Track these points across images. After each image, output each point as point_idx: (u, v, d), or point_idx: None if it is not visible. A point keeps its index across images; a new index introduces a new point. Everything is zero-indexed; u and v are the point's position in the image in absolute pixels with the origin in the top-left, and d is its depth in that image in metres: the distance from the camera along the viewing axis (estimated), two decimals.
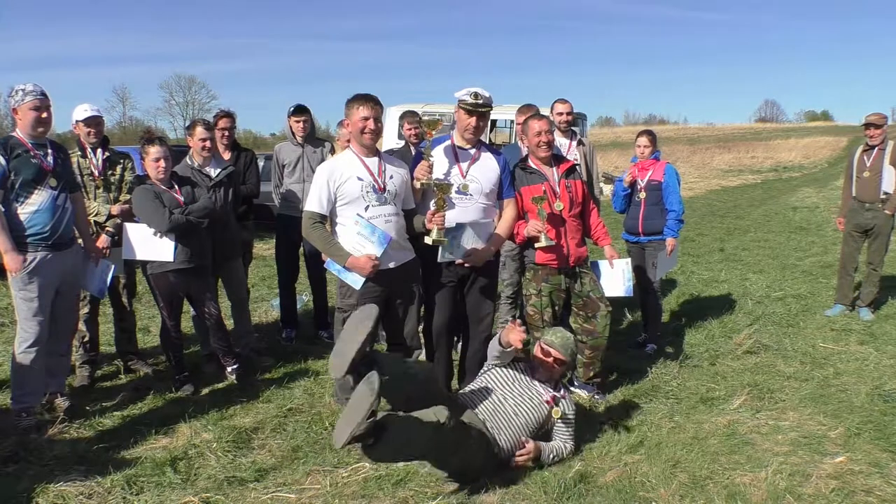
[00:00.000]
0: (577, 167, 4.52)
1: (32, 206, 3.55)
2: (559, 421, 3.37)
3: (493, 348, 3.45)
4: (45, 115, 3.57)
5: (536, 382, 3.40)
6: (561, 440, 3.37)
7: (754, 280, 7.61)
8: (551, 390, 3.40)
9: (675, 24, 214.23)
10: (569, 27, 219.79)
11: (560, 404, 3.37)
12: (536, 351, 3.53)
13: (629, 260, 4.37)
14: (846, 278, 6.18)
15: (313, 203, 3.44)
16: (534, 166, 4.07)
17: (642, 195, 5.05)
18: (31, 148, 3.57)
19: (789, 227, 12.11)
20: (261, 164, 6.78)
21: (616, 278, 4.23)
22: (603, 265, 4.27)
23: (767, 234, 11.32)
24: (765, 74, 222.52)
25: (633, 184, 5.14)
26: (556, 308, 4.09)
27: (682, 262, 8.16)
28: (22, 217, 3.53)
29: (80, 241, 3.95)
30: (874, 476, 3.20)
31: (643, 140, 5.11)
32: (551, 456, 3.29)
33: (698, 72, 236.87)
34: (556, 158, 4.18)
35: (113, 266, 4.14)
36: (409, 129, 5.22)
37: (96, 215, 4.27)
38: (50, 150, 3.66)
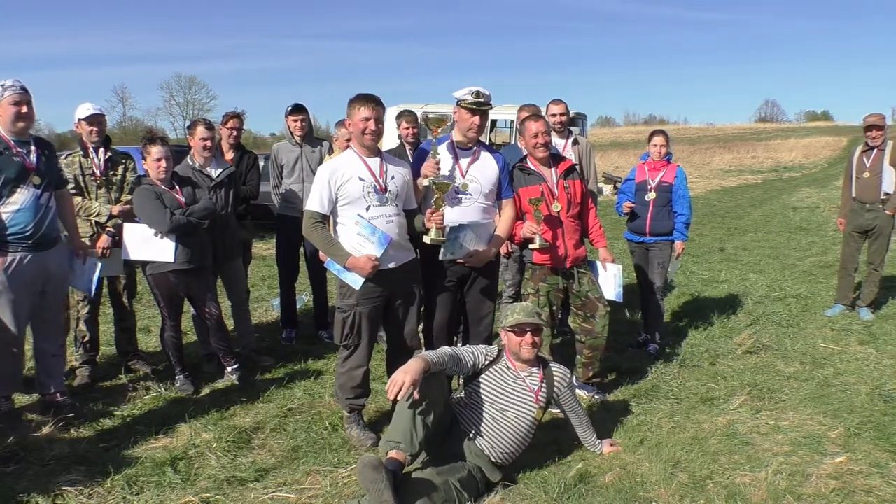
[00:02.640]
0: (576, 167, 4.52)
1: (14, 205, 3.47)
2: (563, 396, 3.34)
3: None
4: (25, 109, 3.50)
5: (523, 375, 3.25)
6: (578, 415, 3.43)
7: (754, 280, 7.62)
8: (536, 379, 3.25)
9: (675, 24, 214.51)
10: (569, 27, 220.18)
11: (542, 398, 3.23)
12: (509, 341, 3.27)
13: (621, 266, 4.34)
14: (847, 279, 6.18)
15: (314, 203, 3.44)
16: (532, 167, 4.06)
17: (652, 195, 5.02)
18: (13, 146, 3.50)
19: (789, 227, 12.12)
20: (261, 164, 6.79)
21: (607, 282, 4.21)
22: (598, 267, 4.26)
23: (767, 234, 11.32)
24: (765, 74, 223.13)
25: (641, 184, 5.12)
26: (554, 308, 4.09)
27: (683, 262, 8.15)
28: (3, 216, 3.45)
29: (65, 235, 3.87)
30: (874, 476, 3.20)
31: (659, 140, 5.07)
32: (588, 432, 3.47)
33: (698, 72, 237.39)
34: (555, 158, 4.18)
35: (100, 264, 4.07)
36: (407, 129, 5.18)
37: (97, 215, 4.27)
38: (34, 148, 3.59)
